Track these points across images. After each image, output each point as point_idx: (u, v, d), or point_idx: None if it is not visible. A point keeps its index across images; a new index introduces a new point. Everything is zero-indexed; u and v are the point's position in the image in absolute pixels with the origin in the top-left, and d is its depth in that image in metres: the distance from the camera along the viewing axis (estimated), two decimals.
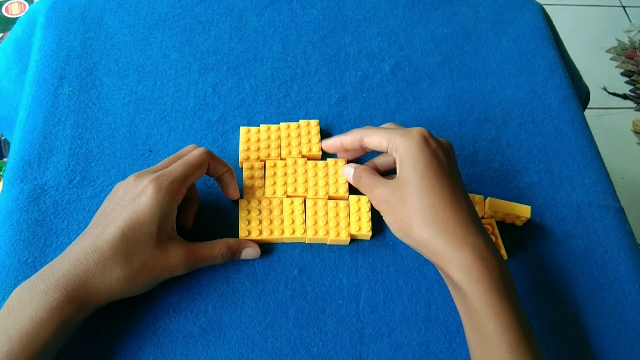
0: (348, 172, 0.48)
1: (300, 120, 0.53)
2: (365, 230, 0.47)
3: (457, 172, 0.43)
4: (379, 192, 0.43)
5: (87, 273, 0.37)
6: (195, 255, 0.42)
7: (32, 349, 0.34)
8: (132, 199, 0.40)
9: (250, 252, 0.45)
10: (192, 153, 0.44)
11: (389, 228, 0.43)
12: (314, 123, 0.53)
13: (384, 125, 0.47)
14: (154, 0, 0.62)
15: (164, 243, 0.40)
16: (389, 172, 0.48)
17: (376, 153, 0.50)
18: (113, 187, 0.46)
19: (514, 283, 0.39)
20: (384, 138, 0.43)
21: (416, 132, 0.42)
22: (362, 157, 0.52)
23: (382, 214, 0.43)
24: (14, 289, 0.37)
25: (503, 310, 0.37)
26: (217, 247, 0.44)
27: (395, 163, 0.43)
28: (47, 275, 0.37)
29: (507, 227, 0.50)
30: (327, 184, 0.49)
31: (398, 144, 0.42)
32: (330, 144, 0.49)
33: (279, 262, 0.47)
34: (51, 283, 0.36)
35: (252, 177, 0.49)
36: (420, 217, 0.40)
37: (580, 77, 0.74)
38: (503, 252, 0.47)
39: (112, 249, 0.38)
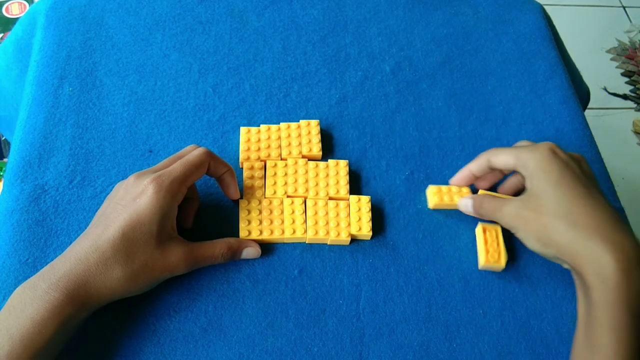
0: (466, 204, 0.48)
1: (300, 120, 0.53)
2: (365, 230, 0.47)
3: (594, 181, 0.42)
4: (508, 210, 0.43)
5: (88, 272, 0.37)
6: (196, 255, 0.42)
7: (33, 348, 0.35)
8: (132, 199, 0.40)
9: (251, 252, 0.45)
10: (192, 153, 0.44)
11: (522, 243, 0.43)
12: (314, 123, 0.53)
13: (516, 144, 0.47)
14: (154, 0, 0.62)
15: (164, 242, 0.40)
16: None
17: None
18: (113, 187, 0.46)
19: None
20: (511, 155, 0.43)
21: (543, 145, 0.42)
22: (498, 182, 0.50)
23: (513, 231, 0.43)
24: (15, 288, 0.37)
25: (627, 327, 0.36)
26: (218, 247, 0.44)
27: (521, 183, 0.44)
28: (48, 275, 0.37)
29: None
30: (327, 184, 0.49)
31: (526, 159, 0.42)
32: (460, 176, 0.49)
33: (279, 262, 0.47)
34: (52, 282, 0.36)
35: (252, 177, 0.49)
36: (560, 222, 0.39)
37: (580, 77, 0.74)
38: (502, 258, 0.46)
39: (112, 249, 0.38)
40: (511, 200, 0.43)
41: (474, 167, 0.47)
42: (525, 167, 0.42)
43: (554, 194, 0.40)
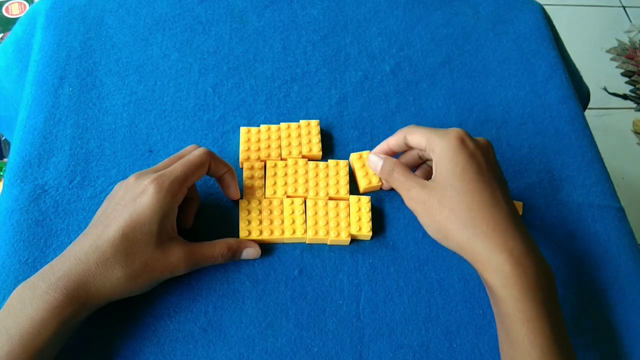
0: (375, 163, 0.47)
1: (300, 120, 0.53)
2: (365, 230, 0.47)
3: (497, 171, 0.43)
4: (415, 193, 0.43)
5: (88, 272, 0.37)
6: (196, 255, 0.42)
7: (32, 348, 0.35)
8: (132, 199, 0.40)
9: (251, 252, 0.45)
10: (193, 153, 0.44)
11: (424, 228, 0.43)
12: (314, 123, 0.53)
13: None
14: (154, 0, 0.62)
15: (164, 243, 0.40)
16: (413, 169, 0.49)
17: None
18: (113, 187, 0.46)
19: (555, 290, 0.39)
20: (423, 137, 0.43)
21: (453, 132, 0.42)
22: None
23: (416, 214, 0.43)
24: (14, 288, 0.37)
25: (537, 316, 0.37)
26: (218, 247, 0.44)
27: (420, 159, 0.44)
28: (48, 275, 0.37)
29: None
30: (327, 184, 0.49)
31: (435, 144, 0.42)
32: (379, 149, 0.48)
33: (279, 262, 0.47)
34: (52, 282, 0.36)
35: (252, 177, 0.49)
36: (458, 220, 0.40)
37: (580, 77, 0.74)
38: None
39: (112, 249, 0.38)
40: (420, 184, 0.43)
41: (392, 141, 0.47)
42: (433, 152, 0.42)
43: (457, 188, 0.40)
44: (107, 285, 0.38)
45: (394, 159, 0.46)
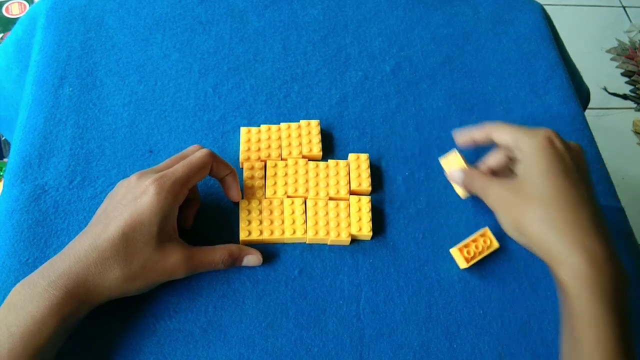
0: (458, 177, 0.47)
1: (301, 120, 0.53)
2: (365, 231, 0.47)
3: (586, 176, 0.42)
4: (495, 191, 0.42)
5: (87, 271, 0.37)
6: (195, 260, 0.42)
7: (33, 346, 0.35)
8: (133, 198, 0.40)
9: (252, 259, 0.45)
10: (195, 154, 0.44)
11: (501, 227, 0.42)
12: (314, 123, 0.53)
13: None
14: (154, 0, 0.62)
15: (163, 244, 0.40)
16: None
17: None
18: (113, 187, 0.46)
19: (629, 298, 0.37)
20: (510, 135, 0.43)
21: (542, 132, 0.42)
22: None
23: (496, 213, 0.42)
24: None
25: (606, 322, 0.36)
26: (218, 253, 0.43)
27: (510, 161, 0.44)
28: (47, 273, 0.37)
29: None
30: (328, 184, 0.49)
31: (522, 142, 0.42)
32: (461, 140, 0.48)
33: (279, 262, 0.47)
34: (51, 280, 0.36)
35: (252, 177, 0.49)
36: (536, 214, 0.39)
37: (581, 77, 0.74)
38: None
39: (112, 248, 0.38)
40: (499, 183, 0.43)
41: (477, 134, 0.47)
42: (520, 150, 0.42)
43: (540, 185, 0.40)
44: (105, 284, 0.38)
45: (474, 170, 0.46)
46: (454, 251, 0.47)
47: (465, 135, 0.48)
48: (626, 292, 0.37)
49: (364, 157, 0.51)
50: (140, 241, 0.39)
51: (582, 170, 0.42)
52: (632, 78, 1.57)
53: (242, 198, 0.48)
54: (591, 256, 0.37)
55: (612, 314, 0.36)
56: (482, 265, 0.48)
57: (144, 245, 0.39)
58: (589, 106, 0.77)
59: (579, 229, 0.38)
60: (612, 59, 1.61)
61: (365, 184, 0.50)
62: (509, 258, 0.48)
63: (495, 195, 0.42)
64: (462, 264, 0.46)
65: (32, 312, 0.35)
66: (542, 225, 0.39)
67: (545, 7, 0.69)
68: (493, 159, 0.48)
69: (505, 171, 0.48)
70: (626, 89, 1.55)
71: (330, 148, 0.53)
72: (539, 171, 0.40)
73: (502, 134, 0.44)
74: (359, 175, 0.50)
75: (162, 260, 0.40)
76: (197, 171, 0.42)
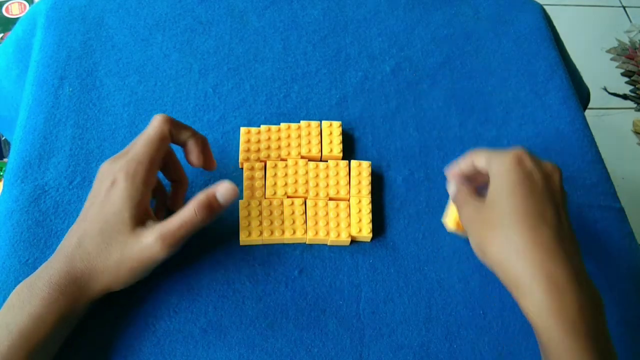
0: (451, 191, 0.46)
1: (301, 121, 0.53)
2: (365, 231, 0.47)
3: (556, 196, 0.39)
4: (466, 212, 0.42)
5: (75, 269, 0.38)
6: (169, 228, 0.39)
7: (32, 342, 0.35)
8: (105, 192, 0.40)
9: (225, 191, 0.41)
10: (149, 125, 0.42)
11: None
12: (314, 124, 0.53)
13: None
14: (154, 0, 0.62)
15: (138, 229, 0.39)
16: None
17: None
18: None
19: (604, 320, 0.36)
20: (485, 158, 0.42)
21: (512, 152, 0.40)
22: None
23: (467, 234, 0.42)
24: (14, 288, 0.37)
25: (576, 349, 0.34)
26: (187, 209, 0.40)
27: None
28: (43, 273, 0.38)
29: None
30: (328, 184, 0.49)
31: (493, 163, 0.40)
32: (452, 172, 0.46)
33: (279, 263, 0.47)
34: (46, 280, 0.37)
35: (252, 178, 0.49)
36: (497, 237, 0.38)
37: (581, 78, 0.74)
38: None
39: (93, 245, 0.38)
40: (472, 204, 0.42)
41: (463, 165, 0.45)
42: (490, 170, 0.41)
43: (504, 206, 0.38)
44: (94, 279, 0.38)
45: (462, 187, 0.44)
46: (447, 218, 0.47)
47: (453, 169, 0.46)
48: (598, 315, 0.36)
49: (365, 164, 0.51)
50: (115, 231, 0.39)
51: (552, 191, 0.39)
52: (632, 78, 1.57)
53: (241, 198, 0.48)
54: (553, 282, 0.35)
55: (585, 341, 0.34)
56: (482, 265, 0.48)
57: (119, 234, 0.39)
58: (589, 106, 0.77)
59: (540, 251, 0.36)
60: (612, 59, 1.61)
61: (365, 191, 0.49)
62: None
63: (466, 214, 0.42)
64: (454, 227, 0.47)
65: (30, 311, 0.36)
66: (501, 247, 0.37)
67: (545, 7, 0.69)
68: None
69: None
70: (626, 89, 1.55)
71: None
72: (506, 192, 0.39)
73: (479, 158, 0.42)
74: (359, 182, 0.50)
75: (137, 243, 0.39)
76: (157, 146, 0.41)
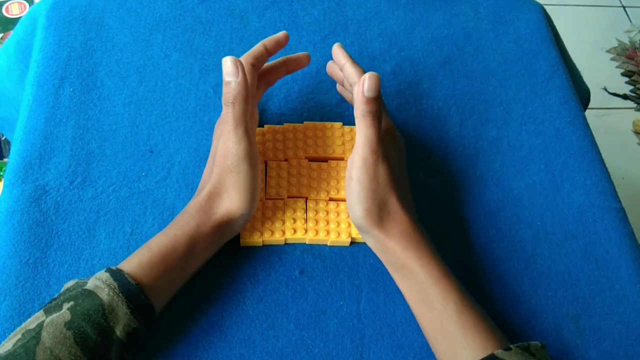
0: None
1: (305, 122, 0.53)
2: None
3: (397, 155, 0.47)
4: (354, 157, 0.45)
5: (201, 197, 0.43)
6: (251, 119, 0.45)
7: (168, 260, 0.40)
8: (223, 142, 0.44)
9: (227, 65, 0.44)
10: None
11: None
12: (319, 125, 0.52)
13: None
14: (154, 0, 0.62)
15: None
16: None
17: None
18: (113, 188, 0.47)
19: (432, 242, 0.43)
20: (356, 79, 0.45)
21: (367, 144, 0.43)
22: None
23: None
24: (15, 289, 0.37)
25: (443, 276, 0.41)
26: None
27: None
28: (189, 203, 0.44)
29: (505, 224, 0.50)
30: (329, 185, 0.49)
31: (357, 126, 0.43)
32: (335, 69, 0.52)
33: (279, 263, 0.47)
34: (184, 210, 0.43)
35: None
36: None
37: (581, 77, 0.74)
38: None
39: (219, 181, 0.43)
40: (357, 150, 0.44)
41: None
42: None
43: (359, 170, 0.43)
44: (217, 204, 0.43)
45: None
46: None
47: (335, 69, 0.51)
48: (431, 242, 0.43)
49: None
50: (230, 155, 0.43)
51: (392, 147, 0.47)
52: (632, 78, 1.57)
53: None
54: (405, 226, 0.43)
55: (443, 268, 0.42)
56: (482, 265, 0.48)
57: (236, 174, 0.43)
58: (589, 106, 0.77)
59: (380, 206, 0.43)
60: (612, 59, 1.61)
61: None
62: (509, 258, 0.48)
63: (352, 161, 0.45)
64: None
65: (168, 233, 0.41)
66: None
67: (545, 7, 0.69)
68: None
69: None
70: (626, 89, 1.55)
71: None
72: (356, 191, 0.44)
73: (351, 74, 0.46)
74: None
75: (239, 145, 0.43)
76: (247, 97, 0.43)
